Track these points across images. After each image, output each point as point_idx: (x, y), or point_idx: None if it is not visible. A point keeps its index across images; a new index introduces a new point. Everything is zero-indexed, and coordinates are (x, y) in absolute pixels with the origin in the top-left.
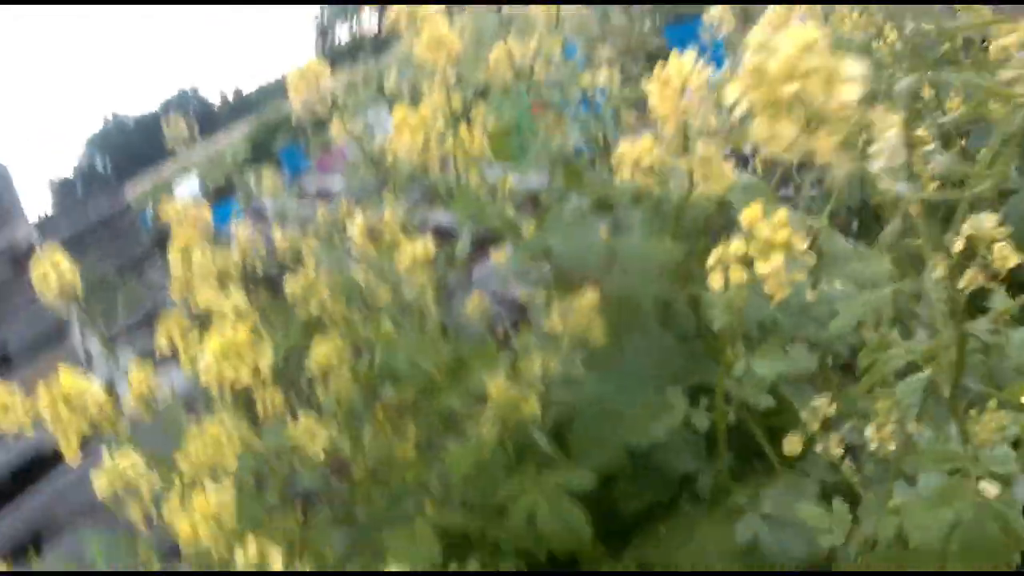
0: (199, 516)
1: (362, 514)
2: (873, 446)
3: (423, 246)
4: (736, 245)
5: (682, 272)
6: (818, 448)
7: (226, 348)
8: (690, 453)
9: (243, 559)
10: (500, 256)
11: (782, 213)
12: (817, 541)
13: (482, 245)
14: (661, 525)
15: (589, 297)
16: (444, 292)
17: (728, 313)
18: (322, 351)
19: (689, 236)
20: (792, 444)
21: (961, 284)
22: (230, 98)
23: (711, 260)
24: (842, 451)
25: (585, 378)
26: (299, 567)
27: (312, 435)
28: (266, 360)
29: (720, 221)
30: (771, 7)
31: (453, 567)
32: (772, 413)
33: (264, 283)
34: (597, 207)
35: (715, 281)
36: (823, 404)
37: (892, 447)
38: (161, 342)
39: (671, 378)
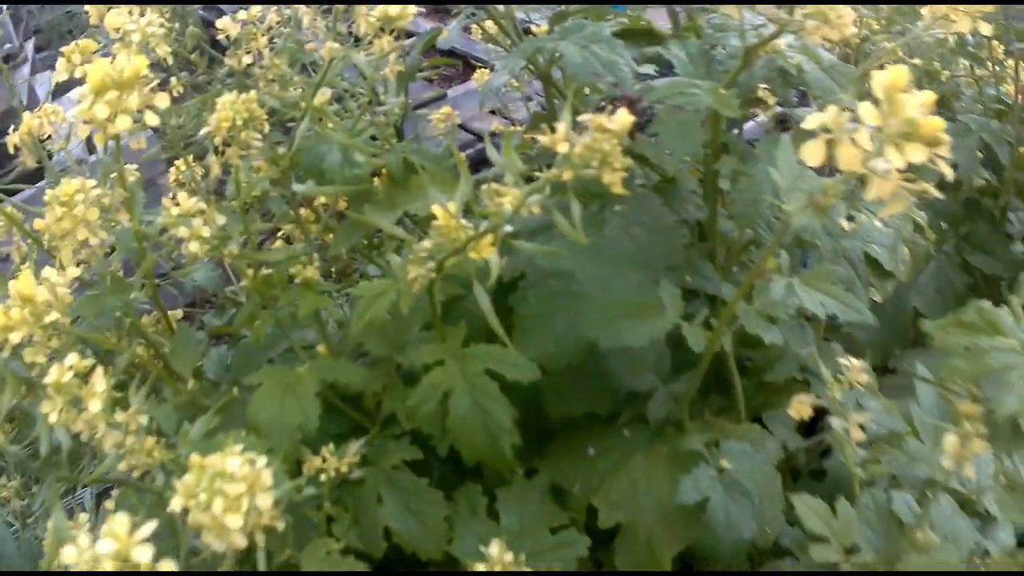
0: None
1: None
2: None
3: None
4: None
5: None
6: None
7: (107, 83)
8: (651, 367)
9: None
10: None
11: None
12: (766, 530)
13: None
14: (590, 444)
15: (622, 118)
16: (405, 82)
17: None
18: (226, 110)
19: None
20: (801, 407)
21: None
22: None
23: (810, 122)
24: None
25: (559, 241)
26: (133, 401)
27: (193, 224)
28: (160, 104)
29: None
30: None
31: (326, 446)
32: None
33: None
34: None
35: (810, 152)
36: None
37: None
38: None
39: (665, 272)
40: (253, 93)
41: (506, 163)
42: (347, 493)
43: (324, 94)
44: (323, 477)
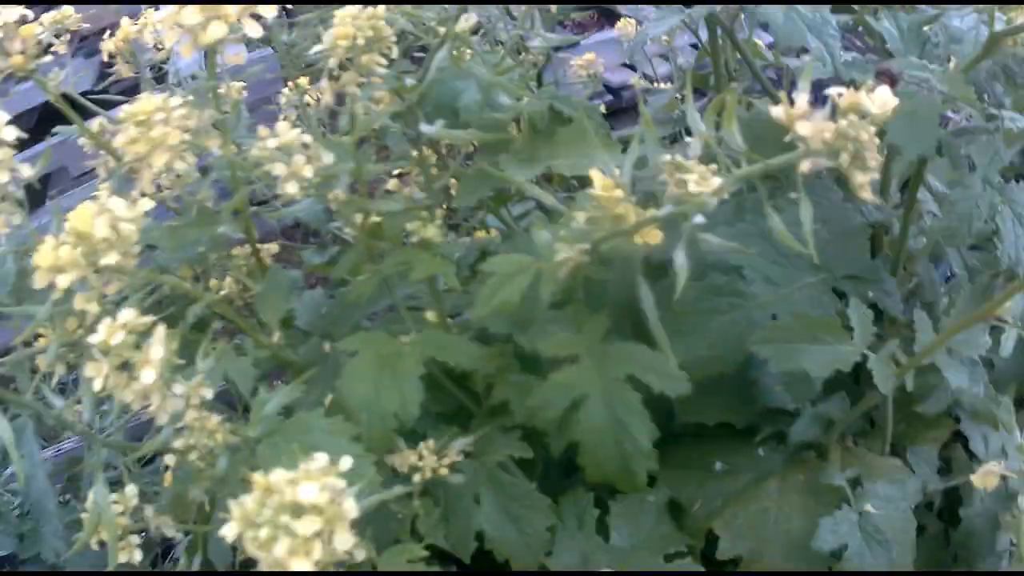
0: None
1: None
2: None
3: None
4: None
5: None
6: None
7: None
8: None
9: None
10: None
11: None
12: None
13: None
14: (718, 458)
15: (885, 98)
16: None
17: None
18: (346, 25)
19: None
20: (987, 478)
21: None
22: None
23: None
24: None
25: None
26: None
27: (294, 161)
28: (266, 12)
29: None
30: None
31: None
32: None
33: None
34: None
35: None
36: None
37: None
38: None
39: (845, 281)
40: (381, 8)
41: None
42: (439, 486)
43: (469, 19)
44: (416, 478)
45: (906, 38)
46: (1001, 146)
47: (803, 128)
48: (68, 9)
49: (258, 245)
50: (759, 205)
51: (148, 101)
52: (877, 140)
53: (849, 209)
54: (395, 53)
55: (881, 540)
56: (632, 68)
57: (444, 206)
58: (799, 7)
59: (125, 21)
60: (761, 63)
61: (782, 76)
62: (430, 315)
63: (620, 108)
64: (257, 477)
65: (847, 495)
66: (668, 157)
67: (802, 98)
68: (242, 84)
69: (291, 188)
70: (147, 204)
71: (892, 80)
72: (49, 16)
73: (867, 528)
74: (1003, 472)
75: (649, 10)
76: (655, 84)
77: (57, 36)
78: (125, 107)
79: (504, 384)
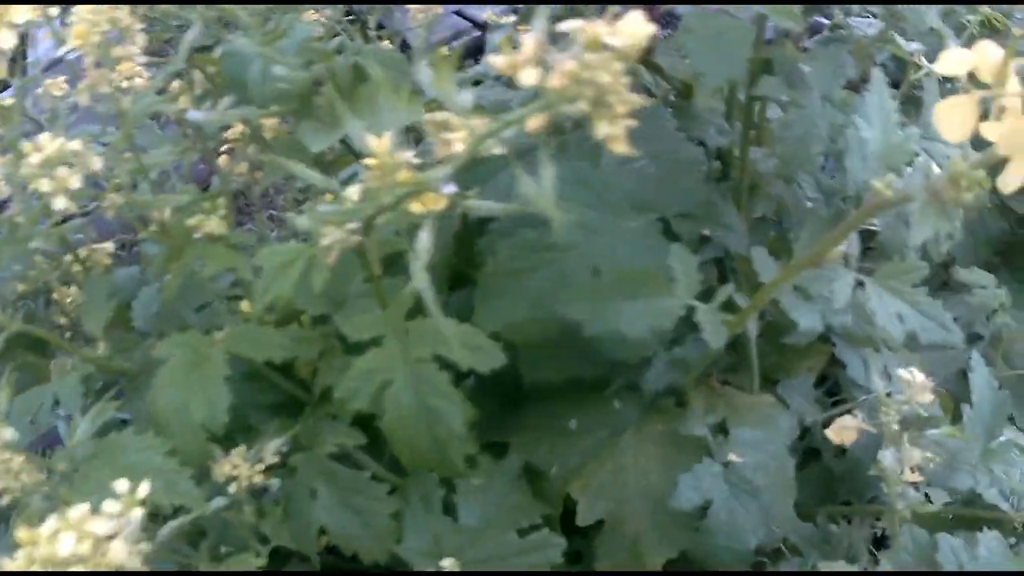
0: None
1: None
2: None
3: None
4: None
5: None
6: None
7: None
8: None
9: None
10: None
11: None
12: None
13: None
14: (572, 415)
15: (633, 28)
16: None
17: None
18: (82, 22)
19: None
20: (845, 432)
21: None
22: None
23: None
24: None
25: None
26: None
27: (58, 174)
28: None
29: None
30: None
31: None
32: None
33: None
34: None
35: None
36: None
37: None
38: None
39: (677, 219)
40: None
41: (441, 94)
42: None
43: None
44: (233, 488)
45: None
46: (847, 59)
47: (527, 76)
48: None
49: (93, 247)
50: (580, 144)
51: None
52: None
53: (682, 139)
54: (142, 41)
55: (750, 489)
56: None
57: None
58: None
59: None
60: None
61: None
62: (245, 306)
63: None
64: (21, 533)
65: (709, 445)
66: (432, 116)
67: (529, 41)
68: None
69: (59, 204)
70: None
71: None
72: None
73: (733, 479)
74: (861, 426)
75: None
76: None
77: None
78: None
79: (326, 367)
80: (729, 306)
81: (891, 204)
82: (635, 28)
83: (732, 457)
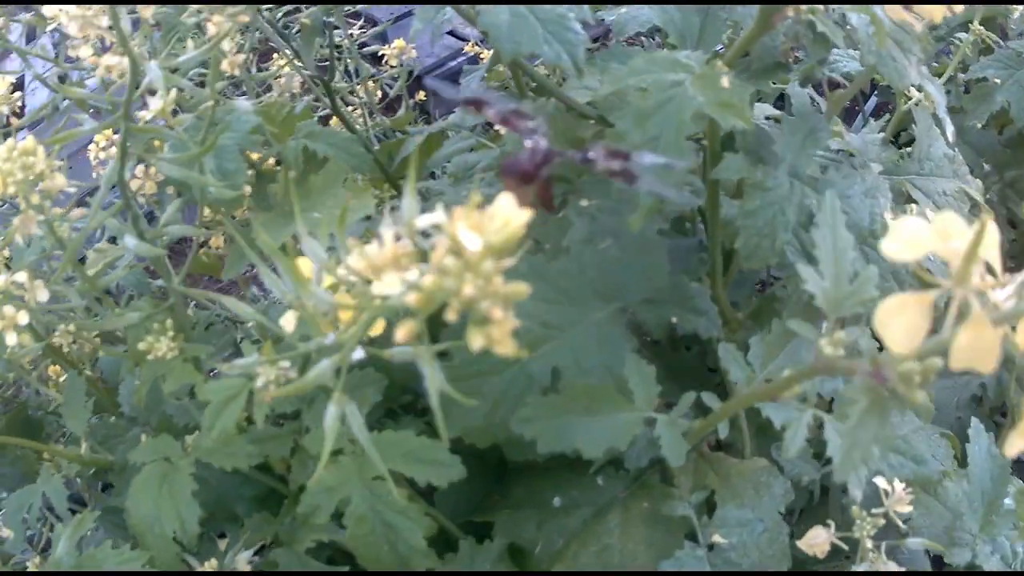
0: None
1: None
2: None
3: None
4: None
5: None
6: None
7: None
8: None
9: None
10: None
11: None
12: None
13: None
14: (556, 492)
15: (505, 219)
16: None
17: None
18: None
19: None
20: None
21: None
22: None
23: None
24: None
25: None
26: None
27: (5, 313)
28: None
29: None
30: None
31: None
32: None
33: None
34: None
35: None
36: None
37: None
38: None
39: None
40: (30, 139)
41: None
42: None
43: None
44: None
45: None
46: (819, 122)
47: (388, 286)
48: None
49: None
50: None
51: None
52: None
53: None
54: (62, 181)
55: (737, 573)
56: None
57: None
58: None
59: None
60: None
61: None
62: None
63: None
64: None
65: (693, 527)
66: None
67: (388, 236)
68: None
69: (10, 340)
70: None
71: (530, 176)
72: None
73: (717, 563)
74: (833, 539)
75: None
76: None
77: None
78: None
79: (300, 467)
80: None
81: (837, 371)
82: (506, 217)
83: (717, 539)
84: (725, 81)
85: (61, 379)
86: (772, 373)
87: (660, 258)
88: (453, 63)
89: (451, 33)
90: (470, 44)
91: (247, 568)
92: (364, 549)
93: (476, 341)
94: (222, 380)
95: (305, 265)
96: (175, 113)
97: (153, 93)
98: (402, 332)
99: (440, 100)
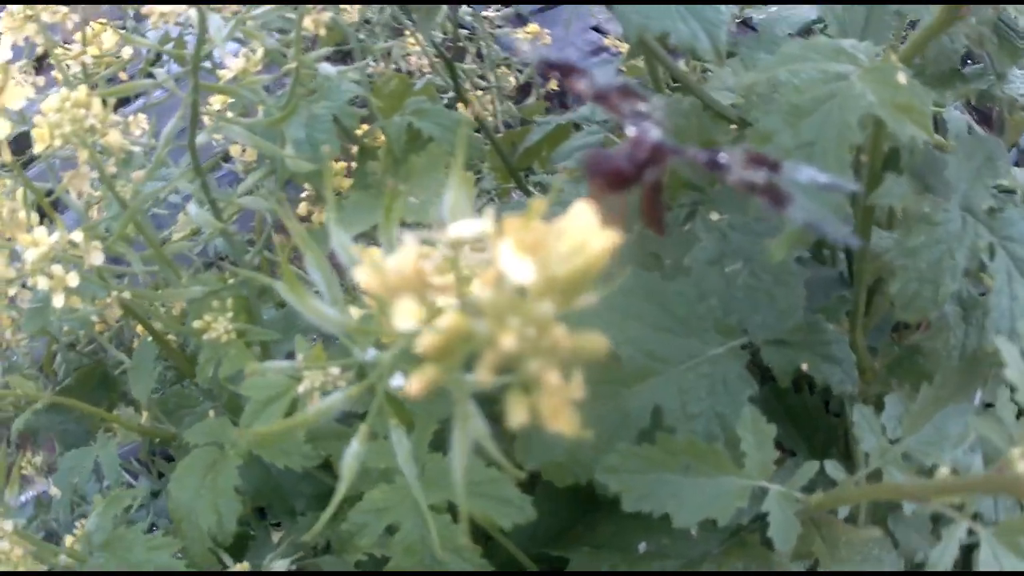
0: None
1: None
2: None
3: None
4: None
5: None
6: None
7: None
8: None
9: None
10: None
11: None
12: None
13: None
14: (644, 537)
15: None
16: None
17: None
18: (45, 125)
19: None
20: None
21: None
22: None
23: None
24: None
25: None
26: None
27: (54, 272)
28: None
29: None
30: None
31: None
32: None
33: None
34: None
35: None
36: None
37: None
38: None
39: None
40: (82, 89)
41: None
42: None
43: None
44: None
45: None
46: (997, 148)
47: (401, 317)
48: None
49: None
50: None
51: None
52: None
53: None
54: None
55: None
56: None
57: None
58: None
59: None
60: None
61: None
62: None
63: None
64: None
65: None
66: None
67: (408, 252)
68: None
69: (58, 302)
70: None
71: (618, 173)
72: None
73: None
74: None
75: None
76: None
77: None
78: None
79: (361, 475)
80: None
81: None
82: (585, 236)
83: None
84: (902, 78)
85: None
86: (914, 448)
87: (797, 292)
88: (595, 59)
89: (595, 29)
90: (610, 38)
91: None
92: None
93: (517, 414)
94: (267, 378)
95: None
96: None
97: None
98: (416, 383)
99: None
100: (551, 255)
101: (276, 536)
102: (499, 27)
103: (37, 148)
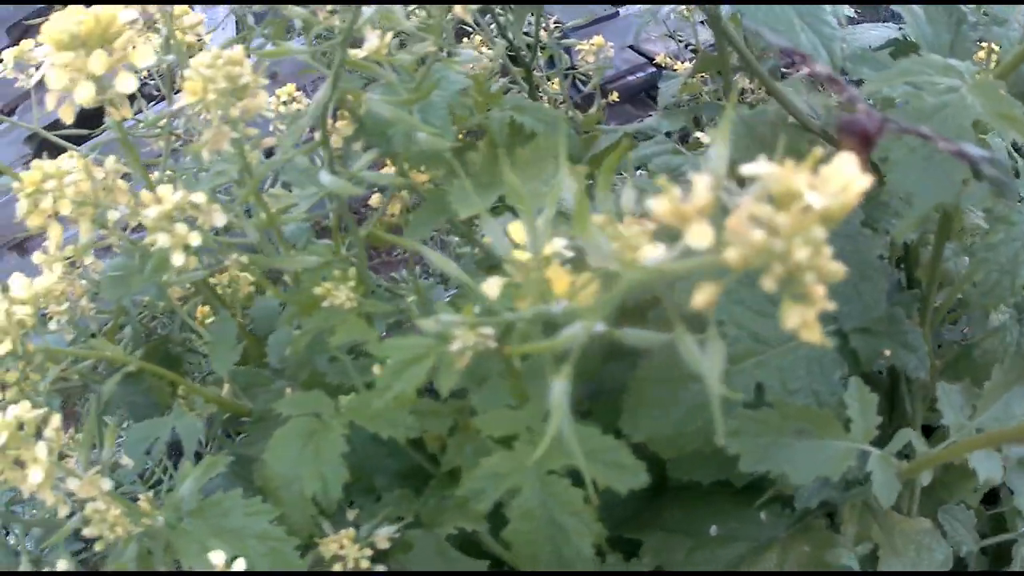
0: None
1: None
2: None
3: None
4: None
5: None
6: None
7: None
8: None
9: None
10: None
11: None
12: None
13: None
14: (714, 520)
15: (843, 178)
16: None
17: None
18: (197, 78)
19: None
20: None
21: None
22: None
23: None
24: None
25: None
26: None
27: (176, 230)
28: (141, 61)
29: None
30: None
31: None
32: None
33: None
34: None
35: None
36: None
37: None
38: None
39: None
40: (239, 49)
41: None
42: (391, 557)
43: (376, 39)
44: (338, 567)
45: (935, 21)
46: None
47: (698, 236)
48: (29, 43)
49: (236, 274)
50: None
51: (36, 171)
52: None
53: (868, 238)
54: (264, 99)
55: None
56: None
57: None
58: None
59: None
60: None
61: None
62: (377, 369)
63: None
64: None
65: None
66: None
67: (700, 183)
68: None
69: (177, 260)
70: (50, 279)
71: (865, 136)
72: (10, 52)
73: None
74: None
75: None
76: (681, 62)
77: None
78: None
79: (456, 449)
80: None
81: None
82: (846, 179)
83: None
84: (1003, 92)
85: (207, 321)
86: (986, 423)
87: (880, 286)
88: (632, 77)
89: (632, 48)
90: (661, 56)
91: (386, 546)
92: (524, 546)
93: (791, 318)
94: (407, 338)
95: (517, 231)
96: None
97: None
98: (702, 295)
99: (613, 111)
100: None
101: (351, 515)
102: (565, 37)
103: (186, 100)
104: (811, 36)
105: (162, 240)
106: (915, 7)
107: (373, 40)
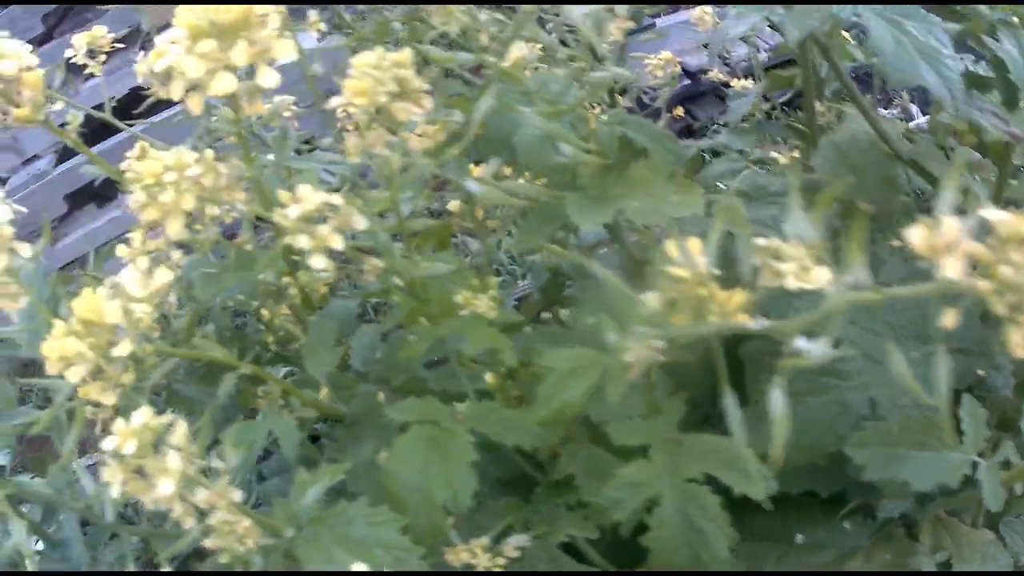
0: None
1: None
2: None
3: None
4: None
5: None
6: None
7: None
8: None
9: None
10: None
11: None
12: None
13: None
14: (800, 529)
15: None
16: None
17: None
18: (362, 78)
19: None
20: None
21: None
22: None
23: None
24: None
25: None
26: None
27: (318, 232)
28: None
29: None
30: None
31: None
32: None
33: None
34: None
35: None
36: None
37: None
38: None
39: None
40: (406, 54)
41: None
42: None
43: (519, 49)
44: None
45: None
46: None
47: (951, 268)
48: (100, 29)
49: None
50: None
51: (156, 161)
52: None
53: None
54: (429, 104)
55: None
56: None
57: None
58: (906, 23)
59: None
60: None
61: (873, 77)
62: (490, 377)
63: (698, 93)
64: None
65: None
66: (762, 241)
67: (948, 222)
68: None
69: (318, 263)
70: (165, 276)
71: None
72: (81, 37)
73: None
74: None
75: None
76: (737, 79)
77: (92, 56)
78: (132, 163)
79: (570, 457)
80: None
81: None
82: None
83: None
84: None
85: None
86: None
87: (974, 312)
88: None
89: None
90: (713, 72)
91: (516, 555)
92: (662, 552)
93: (1015, 338)
94: (572, 349)
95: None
96: None
97: None
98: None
99: None
100: None
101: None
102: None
103: (352, 100)
104: (935, 77)
105: (302, 242)
106: (1008, 46)
107: (519, 52)
